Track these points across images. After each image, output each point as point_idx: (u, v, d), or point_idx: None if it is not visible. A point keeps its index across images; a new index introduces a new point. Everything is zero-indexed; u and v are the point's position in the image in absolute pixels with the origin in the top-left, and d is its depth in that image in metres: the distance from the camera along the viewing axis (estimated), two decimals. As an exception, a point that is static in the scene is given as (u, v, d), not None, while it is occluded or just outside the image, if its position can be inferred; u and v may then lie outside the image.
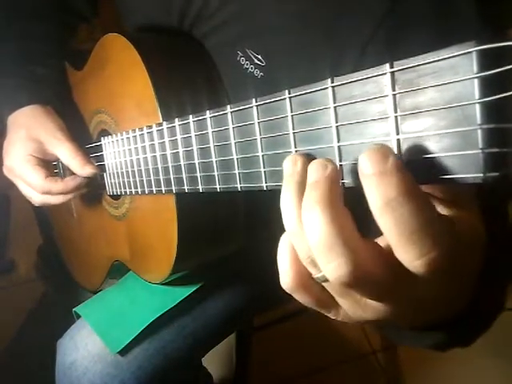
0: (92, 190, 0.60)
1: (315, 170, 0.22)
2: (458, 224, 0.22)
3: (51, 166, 0.59)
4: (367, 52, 0.37)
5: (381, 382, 1.12)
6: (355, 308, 0.23)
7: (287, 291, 0.24)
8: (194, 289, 0.58)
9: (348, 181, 0.23)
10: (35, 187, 0.55)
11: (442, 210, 0.23)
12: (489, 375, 1.04)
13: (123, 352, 0.55)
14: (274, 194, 0.25)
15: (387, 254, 0.20)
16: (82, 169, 0.54)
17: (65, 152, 0.54)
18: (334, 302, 0.24)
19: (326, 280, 0.22)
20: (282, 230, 0.23)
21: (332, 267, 0.20)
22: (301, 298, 0.24)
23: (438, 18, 0.35)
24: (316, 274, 0.22)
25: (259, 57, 0.43)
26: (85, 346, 0.57)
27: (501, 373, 1.04)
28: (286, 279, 0.23)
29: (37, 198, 0.57)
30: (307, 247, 0.21)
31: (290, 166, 0.23)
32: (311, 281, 0.23)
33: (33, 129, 0.55)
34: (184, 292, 0.58)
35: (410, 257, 0.19)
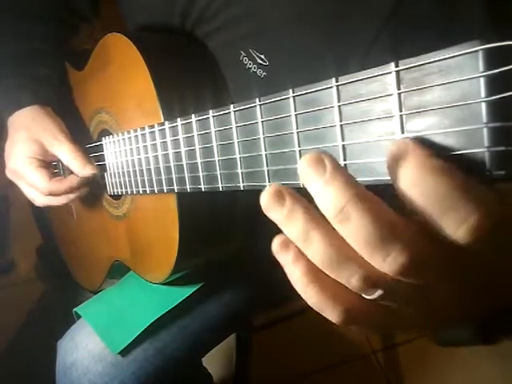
0: (92, 190, 0.60)
1: (332, 160, 0.20)
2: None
3: (52, 167, 0.59)
4: (371, 52, 0.37)
5: (381, 382, 1.12)
6: (418, 305, 0.22)
7: (342, 324, 0.21)
8: (195, 289, 0.58)
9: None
10: (39, 189, 0.56)
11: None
12: (489, 375, 1.05)
13: (123, 352, 0.55)
14: None
15: (431, 231, 0.19)
16: (83, 169, 0.54)
17: (65, 152, 0.54)
18: (395, 314, 0.22)
19: (385, 292, 0.20)
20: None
21: (390, 260, 0.19)
22: (361, 325, 0.22)
23: (443, 19, 0.35)
24: (370, 296, 0.20)
25: (262, 56, 0.43)
26: (85, 346, 0.57)
27: (501, 373, 1.04)
28: (338, 315, 0.21)
29: (40, 200, 0.58)
30: (353, 262, 0.20)
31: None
32: (367, 304, 0.21)
33: (33, 130, 0.55)
34: (184, 292, 0.58)
35: (452, 227, 0.18)
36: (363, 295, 0.21)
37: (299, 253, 0.21)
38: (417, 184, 0.18)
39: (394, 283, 0.20)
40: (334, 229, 0.20)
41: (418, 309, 0.22)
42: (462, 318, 0.25)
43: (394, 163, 0.19)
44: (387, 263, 0.19)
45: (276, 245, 0.22)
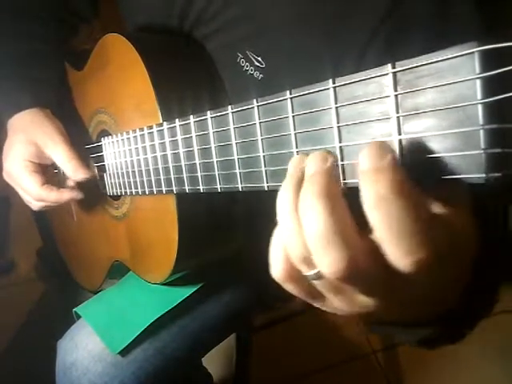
0: (92, 191, 0.60)
1: (315, 162, 0.22)
2: (451, 226, 0.21)
3: (50, 169, 0.60)
4: (367, 53, 0.37)
5: (381, 382, 1.12)
6: (344, 302, 0.24)
7: (277, 281, 0.24)
8: (194, 289, 0.58)
9: (349, 181, 0.23)
10: (31, 194, 0.56)
11: (436, 210, 0.23)
12: (489, 375, 1.04)
13: (123, 352, 0.55)
14: (274, 195, 0.25)
15: (379, 251, 0.20)
16: (75, 173, 0.54)
17: (60, 155, 0.55)
18: (322, 295, 0.24)
19: (317, 278, 0.22)
20: None
21: (329, 261, 0.20)
22: (289, 289, 0.24)
23: (438, 20, 0.35)
24: (307, 273, 0.22)
25: (259, 59, 0.43)
26: (85, 346, 0.57)
27: (501, 373, 1.04)
28: (277, 273, 0.24)
29: (34, 204, 0.58)
30: (301, 244, 0.21)
31: (295, 165, 0.23)
32: (301, 276, 0.23)
33: (31, 132, 0.56)
34: (184, 292, 0.58)
35: (398, 255, 0.19)
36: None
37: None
38: (380, 206, 0.19)
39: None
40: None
41: (343, 305, 0.24)
42: (392, 319, 0.27)
43: (367, 175, 0.19)
44: (324, 264, 0.20)
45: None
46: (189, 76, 0.48)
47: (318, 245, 0.20)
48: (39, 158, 0.56)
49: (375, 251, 0.20)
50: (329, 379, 1.10)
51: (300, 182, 0.22)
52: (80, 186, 0.59)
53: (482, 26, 0.33)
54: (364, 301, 0.23)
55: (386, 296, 0.22)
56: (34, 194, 0.56)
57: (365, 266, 0.20)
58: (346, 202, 0.21)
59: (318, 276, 0.22)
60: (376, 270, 0.21)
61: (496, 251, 0.29)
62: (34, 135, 0.56)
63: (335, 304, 0.25)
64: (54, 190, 0.56)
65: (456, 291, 0.26)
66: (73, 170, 0.54)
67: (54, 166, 0.61)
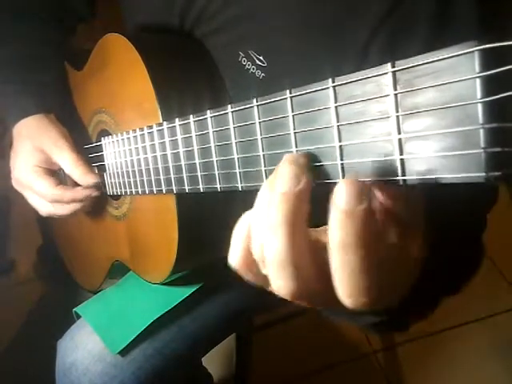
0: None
1: (287, 181, 0.21)
2: (405, 258, 0.23)
3: (57, 174, 0.60)
4: (369, 53, 0.37)
5: (381, 382, 1.12)
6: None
7: (231, 266, 0.25)
8: (194, 289, 0.58)
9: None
10: (45, 196, 0.56)
11: (393, 241, 0.23)
12: (489, 375, 1.05)
13: (123, 352, 0.55)
14: None
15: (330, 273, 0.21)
16: (84, 178, 0.54)
17: (67, 161, 0.55)
18: None
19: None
20: None
21: (280, 284, 0.22)
22: (242, 274, 0.25)
23: (439, 20, 0.35)
24: (262, 270, 0.23)
25: (261, 58, 0.43)
26: (85, 346, 0.57)
27: (501, 373, 1.05)
28: (234, 259, 0.25)
29: (45, 208, 0.58)
30: (261, 248, 0.22)
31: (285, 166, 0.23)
32: (257, 269, 0.24)
33: (37, 139, 0.56)
34: (184, 292, 0.58)
35: (344, 293, 0.20)
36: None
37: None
38: (342, 250, 0.20)
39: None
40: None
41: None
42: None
43: (338, 214, 0.20)
44: (275, 284, 0.22)
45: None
46: (189, 76, 0.48)
47: (273, 266, 0.21)
48: (47, 163, 0.56)
49: (326, 279, 0.21)
50: (329, 379, 1.10)
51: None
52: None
53: (482, 25, 0.34)
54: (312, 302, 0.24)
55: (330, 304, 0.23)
56: (49, 195, 0.55)
57: (314, 289, 0.22)
58: (307, 228, 0.22)
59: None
60: (324, 293, 0.22)
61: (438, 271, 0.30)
62: (40, 142, 0.56)
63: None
64: (69, 189, 0.55)
65: (401, 291, 0.26)
66: (81, 175, 0.54)
67: (57, 175, 0.61)
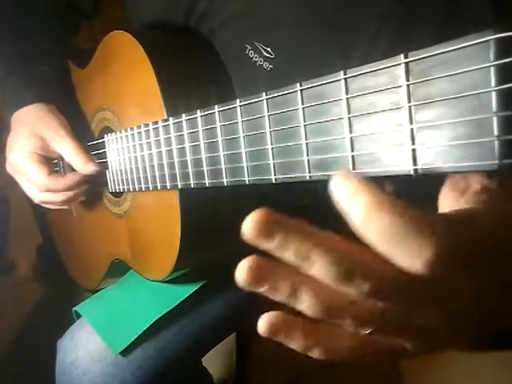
0: (92, 188, 0.60)
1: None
2: (469, 216, 0.20)
3: (52, 164, 0.59)
4: (376, 44, 0.37)
5: (381, 382, 1.12)
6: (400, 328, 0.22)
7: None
8: (195, 289, 0.58)
9: (362, 170, 0.23)
10: (37, 184, 0.55)
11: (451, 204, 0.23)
12: (488, 375, 1.05)
13: (124, 352, 0.55)
14: (277, 192, 0.25)
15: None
16: (85, 166, 0.54)
17: (67, 149, 0.54)
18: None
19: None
20: None
21: (354, 289, 0.20)
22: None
23: (448, 15, 0.35)
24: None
25: (268, 49, 0.43)
26: (85, 345, 0.57)
27: (500, 373, 1.05)
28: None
29: (37, 196, 0.57)
30: None
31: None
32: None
33: (36, 126, 0.55)
34: (185, 292, 0.58)
35: (405, 261, 0.19)
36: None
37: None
38: (367, 225, 0.18)
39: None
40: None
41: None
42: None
43: (344, 200, 0.19)
44: (353, 292, 0.20)
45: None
46: (194, 73, 0.48)
47: (337, 281, 0.19)
48: (45, 151, 0.56)
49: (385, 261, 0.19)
50: (329, 379, 1.10)
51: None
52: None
53: (495, 21, 0.34)
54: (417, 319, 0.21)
55: (434, 304, 0.21)
56: (41, 183, 0.55)
57: (385, 276, 0.20)
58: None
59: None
60: (397, 276, 0.20)
61: None
62: (39, 129, 0.55)
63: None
64: (61, 178, 0.55)
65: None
66: (81, 163, 0.54)
67: (54, 164, 0.61)
